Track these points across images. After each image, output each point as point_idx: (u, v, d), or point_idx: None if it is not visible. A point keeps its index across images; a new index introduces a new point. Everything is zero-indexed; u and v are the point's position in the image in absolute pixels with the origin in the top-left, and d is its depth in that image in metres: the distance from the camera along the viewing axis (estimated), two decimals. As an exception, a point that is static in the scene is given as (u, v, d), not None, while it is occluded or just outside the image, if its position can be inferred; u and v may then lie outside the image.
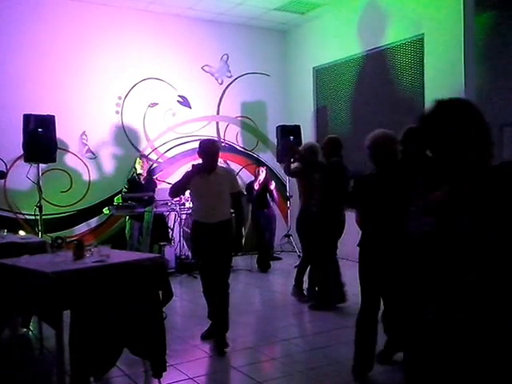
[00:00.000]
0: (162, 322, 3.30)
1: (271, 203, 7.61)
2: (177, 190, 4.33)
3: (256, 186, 7.39)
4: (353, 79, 8.03)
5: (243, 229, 4.47)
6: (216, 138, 8.29)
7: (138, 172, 7.13)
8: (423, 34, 6.78)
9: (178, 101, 8.23)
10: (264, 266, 7.31)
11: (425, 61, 6.79)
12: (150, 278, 3.24)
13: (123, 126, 7.78)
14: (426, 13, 6.72)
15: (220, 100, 8.63)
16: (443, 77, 6.49)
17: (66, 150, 7.29)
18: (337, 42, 8.15)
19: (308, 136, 8.55)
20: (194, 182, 4.11)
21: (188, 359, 3.55)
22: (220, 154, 4.23)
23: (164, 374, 3.27)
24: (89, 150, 7.49)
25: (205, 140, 4.31)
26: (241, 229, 4.42)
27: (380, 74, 7.51)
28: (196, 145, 8.75)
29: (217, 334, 4.07)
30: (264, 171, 7.54)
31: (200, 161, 4.16)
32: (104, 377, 3.23)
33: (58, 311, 2.89)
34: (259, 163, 8.49)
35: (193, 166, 4.21)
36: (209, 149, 4.09)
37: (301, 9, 8.07)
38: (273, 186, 7.55)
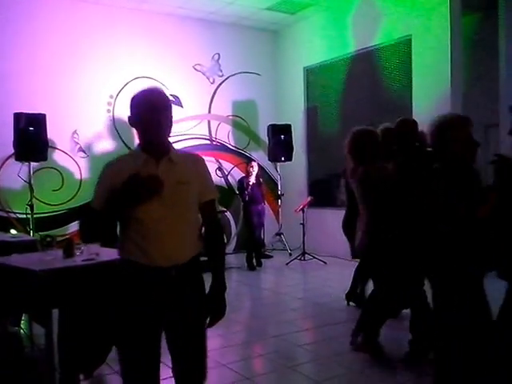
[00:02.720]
0: (152, 320, 3.34)
1: (261, 198, 7.65)
2: (102, 228, 2.02)
3: (251, 182, 7.41)
4: (343, 79, 8.10)
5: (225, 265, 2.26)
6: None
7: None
8: (411, 34, 6.87)
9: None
10: (253, 264, 7.33)
11: (412, 61, 6.88)
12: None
13: (115, 125, 7.79)
14: (413, 14, 6.80)
15: (211, 99, 8.66)
16: (430, 77, 6.59)
17: (58, 149, 7.30)
18: (327, 42, 8.22)
19: (298, 135, 8.63)
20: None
21: (177, 356, 3.59)
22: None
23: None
24: (80, 149, 7.51)
25: (139, 91, 2.14)
26: (223, 272, 2.16)
27: (369, 74, 7.59)
28: (188, 144, 8.69)
29: None
30: (256, 166, 7.58)
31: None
32: (94, 374, 3.27)
33: (47, 309, 2.93)
34: (249, 161, 8.52)
35: (107, 165, 2.08)
36: (149, 102, 2.05)
37: (291, 9, 8.12)
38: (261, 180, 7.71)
